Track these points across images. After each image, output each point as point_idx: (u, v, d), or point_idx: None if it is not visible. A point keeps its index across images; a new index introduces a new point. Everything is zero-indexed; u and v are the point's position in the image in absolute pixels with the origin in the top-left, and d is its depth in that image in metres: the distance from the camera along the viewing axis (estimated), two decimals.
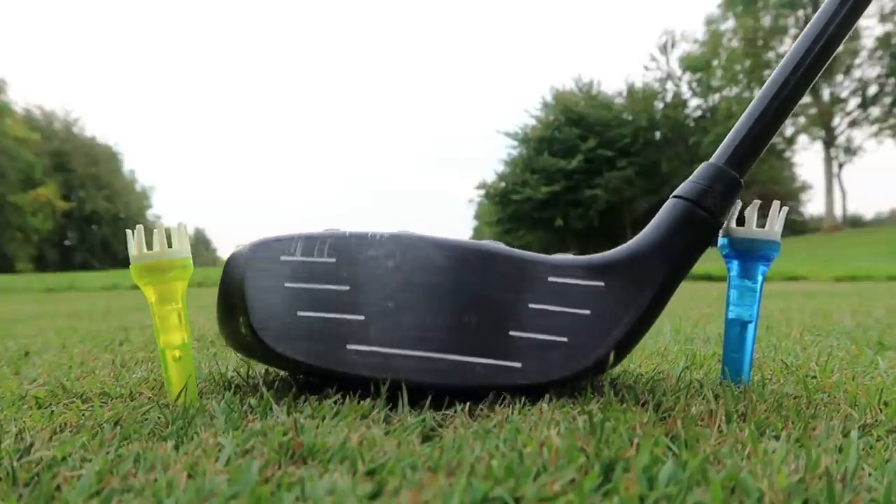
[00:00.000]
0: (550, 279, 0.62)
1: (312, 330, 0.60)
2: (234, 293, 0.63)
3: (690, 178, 0.65)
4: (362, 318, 0.60)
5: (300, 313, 0.60)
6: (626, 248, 0.65)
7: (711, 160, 0.65)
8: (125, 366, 0.89)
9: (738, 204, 0.65)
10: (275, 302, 0.61)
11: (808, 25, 0.66)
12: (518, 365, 0.60)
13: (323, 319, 0.60)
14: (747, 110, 0.65)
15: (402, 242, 0.62)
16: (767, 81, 0.66)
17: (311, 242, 0.62)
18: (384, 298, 0.60)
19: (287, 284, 0.61)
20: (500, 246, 0.64)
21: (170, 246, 0.60)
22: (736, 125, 0.65)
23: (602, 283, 0.62)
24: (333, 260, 0.61)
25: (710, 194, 0.63)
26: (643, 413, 0.53)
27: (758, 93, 0.66)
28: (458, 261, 0.62)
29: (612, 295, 0.62)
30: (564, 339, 0.61)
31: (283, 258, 0.61)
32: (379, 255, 0.61)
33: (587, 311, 0.62)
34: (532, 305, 0.61)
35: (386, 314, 0.60)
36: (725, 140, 0.65)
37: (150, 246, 0.60)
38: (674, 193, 0.65)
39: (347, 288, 0.60)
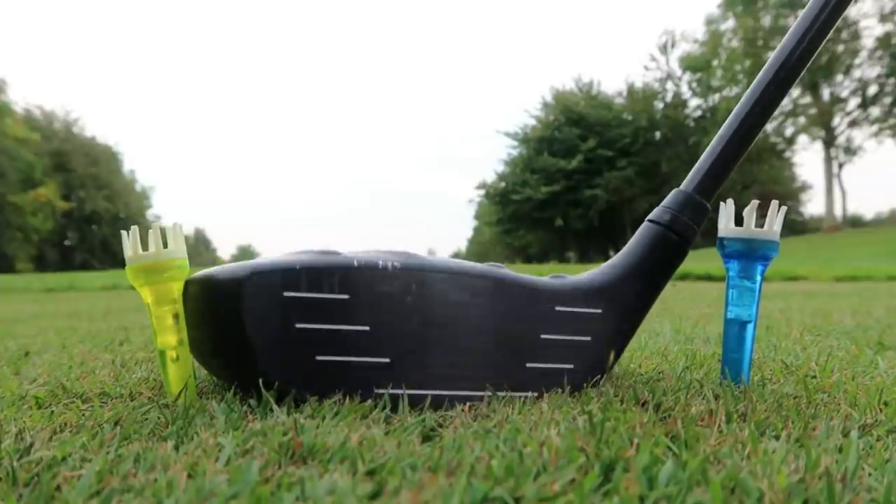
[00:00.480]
0: (557, 308, 0.64)
1: (335, 374, 0.55)
2: (232, 333, 0.57)
3: (663, 203, 0.70)
4: (387, 360, 0.56)
5: (319, 357, 0.55)
6: (613, 271, 0.68)
7: (682, 187, 0.69)
8: (125, 366, 0.89)
9: (731, 205, 0.66)
10: (287, 345, 0.55)
11: (766, 64, 0.70)
12: (534, 395, 0.61)
13: (345, 364, 0.56)
14: (713, 142, 0.70)
15: (415, 275, 0.57)
16: (730, 115, 0.70)
17: (317, 275, 0.55)
18: (406, 338, 0.57)
19: (299, 325, 0.55)
20: (505, 271, 0.63)
21: (165, 246, 0.60)
22: (703, 155, 0.70)
23: (599, 311, 0.66)
24: (346, 297, 0.56)
25: (681, 220, 0.67)
26: (643, 413, 0.53)
27: (722, 126, 0.70)
28: (475, 293, 0.60)
29: (606, 320, 0.66)
30: (570, 366, 0.64)
31: (286, 294, 0.54)
32: (394, 291, 0.57)
33: (588, 338, 0.65)
34: (544, 336, 0.63)
35: (409, 354, 0.57)
36: (694, 168, 0.70)
37: (145, 246, 0.60)
38: (648, 217, 0.70)
39: (367, 329, 0.56)
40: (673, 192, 0.69)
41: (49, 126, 26.91)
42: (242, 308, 0.55)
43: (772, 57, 0.69)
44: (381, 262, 0.57)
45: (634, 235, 0.70)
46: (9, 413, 0.59)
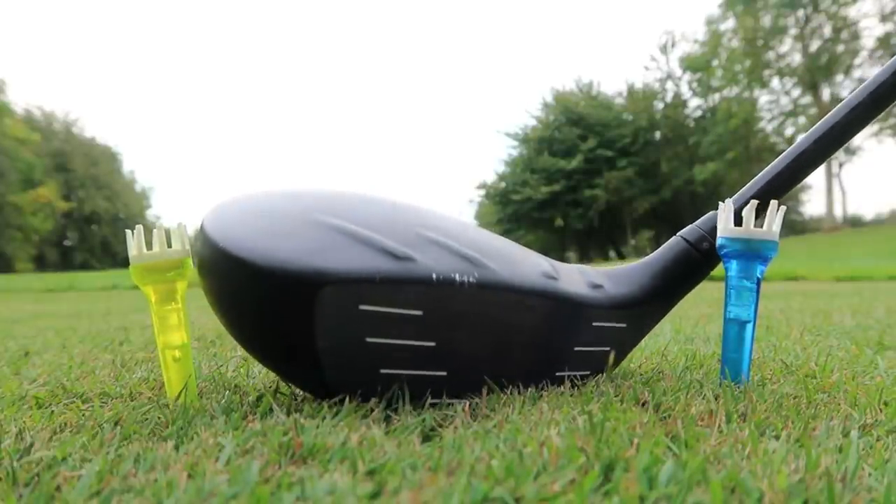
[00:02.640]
0: (594, 324, 0.66)
1: (393, 384, 0.54)
2: (298, 343, 0.53)
3: (696, 222, 0.72)
4: (444, 373, 0.56)
5: (383, 371, 0.54)
6: (641, 286, 0.70)
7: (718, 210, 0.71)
8: (125, 366, 0.89)
9: (731, 205, 0.67)
10: (355, 359, 0.53)
11: (840, 104, 0.71)
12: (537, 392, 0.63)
13: (407, 376, 0.55)
14: (767, 168, 0.71)
15: (487, 294, 0.56)
16: (790, 147, 0.71)
17: (395, 290, 0.52)
18: (466, 352, 0.58)
19: (370, 340, 0.53)
20: (561, 286, 0.63)
21: (169, 246, 0.60)
22: (752, 180, 0.71)
23: (625, 325, 0.69)
24: (420, 313, 0.54)
25: (707, 240, 0.69)
26: (643, 413, 0.53)
27: (780, 155, 0.72)
28: (536, 312, 0.61)
29: (627, 332, 0.70)
30: (588, 372, 0.67)
31: (362, 307, 0.51)
32: (466, 309, 0.56)
33: (608, 348, 0.68)
34: (577, 348, 0.66)
35: (465, 366, 0.58)
36: (740, 191, 0.71)
37: (149, 246, 0.60)
38: (679, 233, 0.72)
39: (433, 345, 0.55)
40: (709, 213, 0.71)
41: (49, 126, 26.94)
42: (318, 324, 0.51)
43: (847, 98, 0.70)
44: (457, 278, 0.54)
45: (663, 249, 0.72)
46: (9, 413, 0.59)
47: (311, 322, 0.50)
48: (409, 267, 0.53)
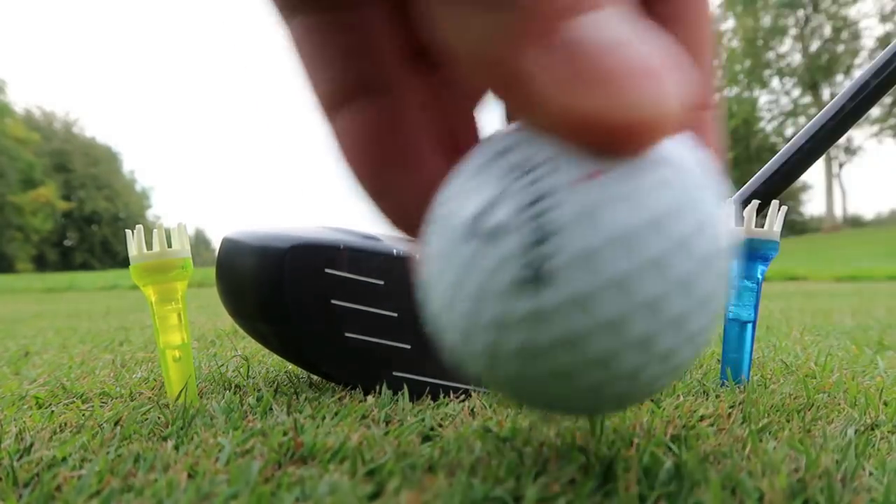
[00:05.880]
0: None
1: (359, 352, 0.58)
2: (267, 298, 0.59)
3: None
4: (408, 346, 0.59)
5: (348, 334, 0.58)
6: None
7: None
8: (125, 366, 0.89)
9: (731, 205, 0.67)
10: (320, 318, 0.58)
11: (819, 113, 0.71)
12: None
13: (371, 343, 0.59)
14: (749, 182, 0.72)
15: None
16: (774, 157, 0.72)
17: (359, 258, 0.58)
18: (426, 330, 0.60)
19: (334, 301, 0.58)
20: None
21: (170, 246, 0.60)
22: (741, 189, 0.72)
23: None
24: (382, 283, 0.59)
25: None
26: (643, 413, 0.53)
27: (765, 166, 0.72)
28: None
29: None
30: None
31: (327, 270, 0.58)
32: None
33: None
34: None
35: (426, 346, 0.60)
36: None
37: (149, 246, 0.60)
38: None
39: (396, 315, 0.59)
40: None
41: (49, 126, 26.96)
42: (285, 280, 0.57)
43: (830, 103, 0.70)
44: (418, 255, 0.59)
45: None
46: (9, 413, 0.59)
47: (280, 278, 0.57)
48: (374, 243, 0.59)
